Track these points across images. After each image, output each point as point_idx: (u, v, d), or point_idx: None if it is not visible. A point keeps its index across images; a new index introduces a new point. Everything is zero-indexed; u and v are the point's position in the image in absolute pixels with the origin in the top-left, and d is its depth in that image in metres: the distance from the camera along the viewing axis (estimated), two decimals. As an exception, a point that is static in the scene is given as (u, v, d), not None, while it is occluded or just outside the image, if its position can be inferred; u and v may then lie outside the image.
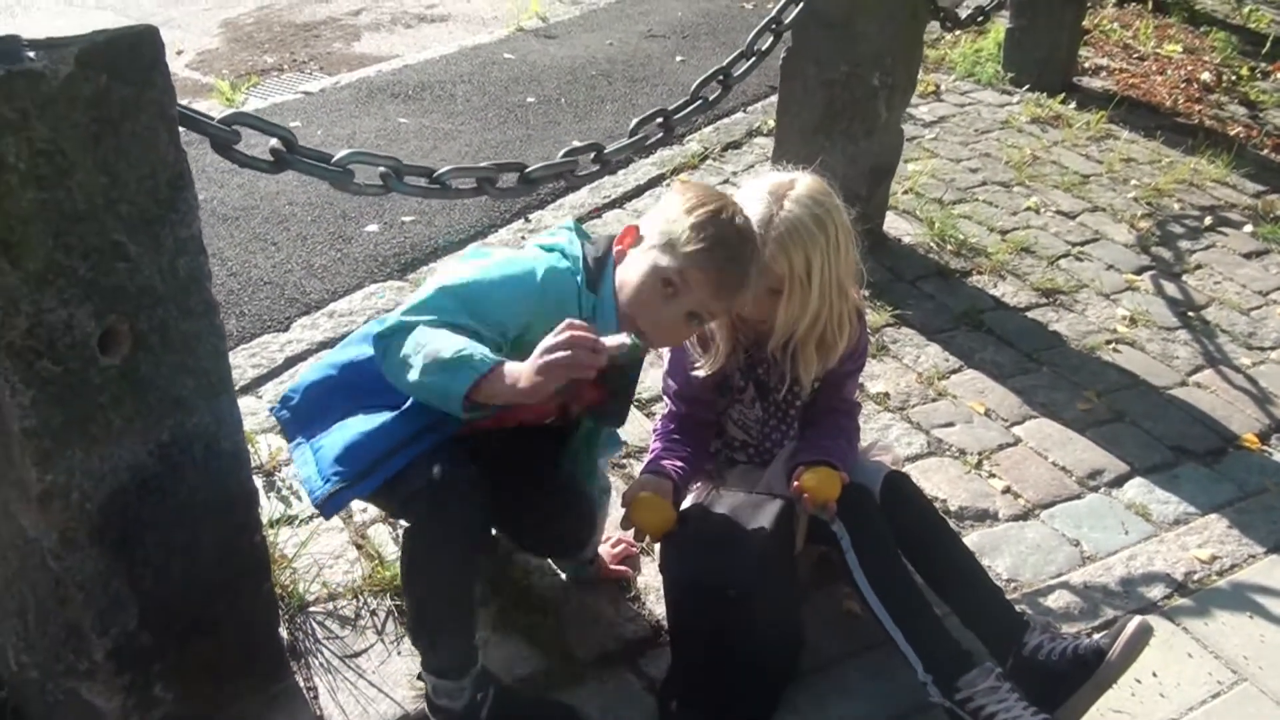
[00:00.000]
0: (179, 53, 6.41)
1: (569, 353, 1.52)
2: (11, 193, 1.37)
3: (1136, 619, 1.89)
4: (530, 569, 2.19)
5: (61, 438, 1.49)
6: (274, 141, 1.97)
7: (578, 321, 1.57)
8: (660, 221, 1.81)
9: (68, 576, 1.56)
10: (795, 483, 1.95)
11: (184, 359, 1.60)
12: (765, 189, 1.96)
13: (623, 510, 1.93)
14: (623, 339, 1.61)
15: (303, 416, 1.86)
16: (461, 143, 4.28)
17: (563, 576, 2.20)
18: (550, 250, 1.86)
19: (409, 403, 1.76)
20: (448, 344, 1.59)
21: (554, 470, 1.98)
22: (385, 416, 1.76)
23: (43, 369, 1.45)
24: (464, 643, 1.78)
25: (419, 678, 1.82)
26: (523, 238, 3.48)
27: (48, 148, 1.39)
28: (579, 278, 1.82)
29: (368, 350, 1.81)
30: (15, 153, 1.36)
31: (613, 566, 2.20)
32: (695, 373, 2.08)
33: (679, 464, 2.03)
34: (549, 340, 1.54)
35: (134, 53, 1.47)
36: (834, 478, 1.93)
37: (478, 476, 1.72)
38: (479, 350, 1.59)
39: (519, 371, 1.56)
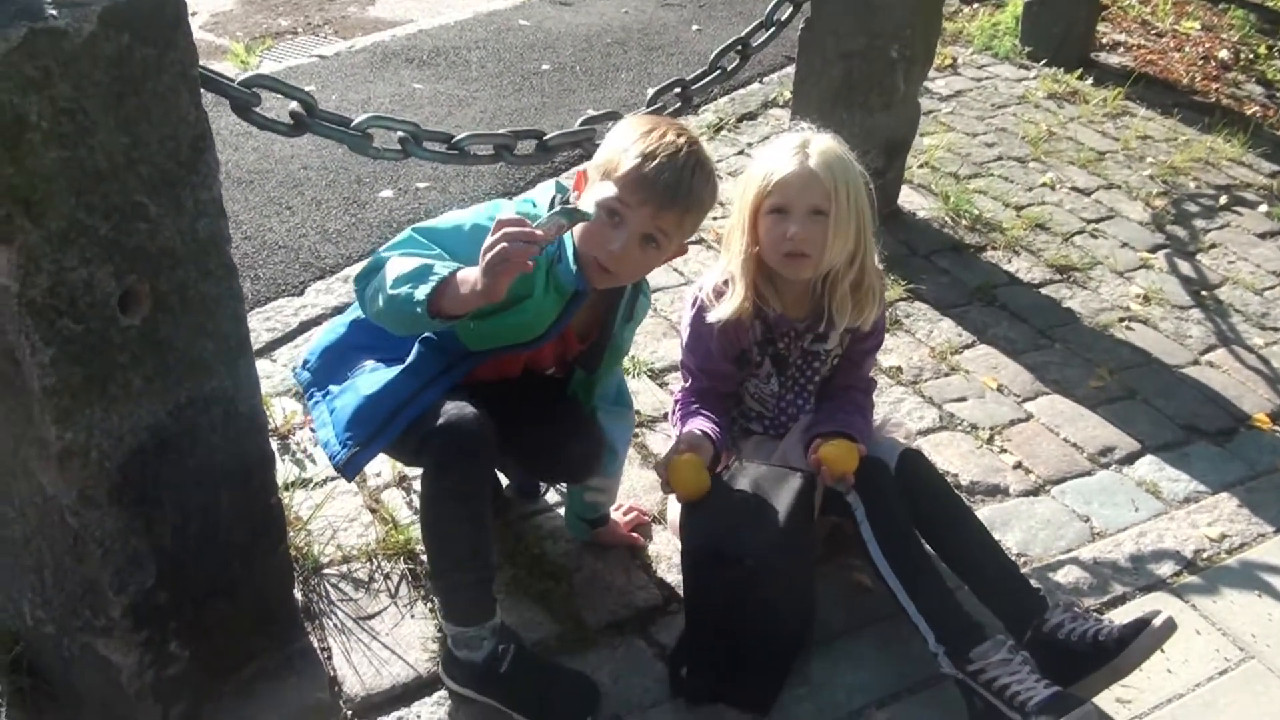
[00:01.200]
0: (193, 14, 6.38)
1: (506, 245, 1.56)
2: (34, 151, 1.37)
3: (1164, 614, 1.88)
4: (544, 535, 2.21)
5: (81, 396, 1.50)
6: (294, 105, 1.98)
7: (508, 216, 1.61)
8: (601, 156, 1.81)
9: (86, 533, 1.57)
10: (813, 454, 1.95)
11: (203, 321, 1.61)
12: (790, 138, 2.02)
13: (648, 475, 1.94)
14: (553, 214, 1.66)
15: (320, 377, 1.90)
16: (476, 109, 4.27)
17: (574, 544, 2.21)
18: (524, 202, 1.89)
19: (412, 357, 1.80)
20: (409, 263, 1.68)
21: (561, 398, 2.01)
22: (391, 373, 1.80)
23: (63, 327, 1.46)
24: (482, 588, 1.80)
25: (438, 630, 1.84)
26: (536, 206, 3.48)
27: (70, 106, 1.39)
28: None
29: None
30: (38, 111, 1.36)
31: (624, 533, 2.21)
32: (711, 317, 2.06)
33: (715, 428, 2.05)
34: (488, 240, 1.59)
35: (157, 13, 1.47)
36: (852, 450, 1.94)
37: (485, 414, 1.75)
38: (437, 263, 1.66)
39: (473, 275, 1.62)
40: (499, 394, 1.86)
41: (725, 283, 2.06)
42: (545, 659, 1.92)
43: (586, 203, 1.78)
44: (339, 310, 2.84)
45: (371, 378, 1.82)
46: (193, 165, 1.56)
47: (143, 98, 1.47)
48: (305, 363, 1.94)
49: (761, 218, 1.98)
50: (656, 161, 1.73)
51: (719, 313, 2.05)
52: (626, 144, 1.76)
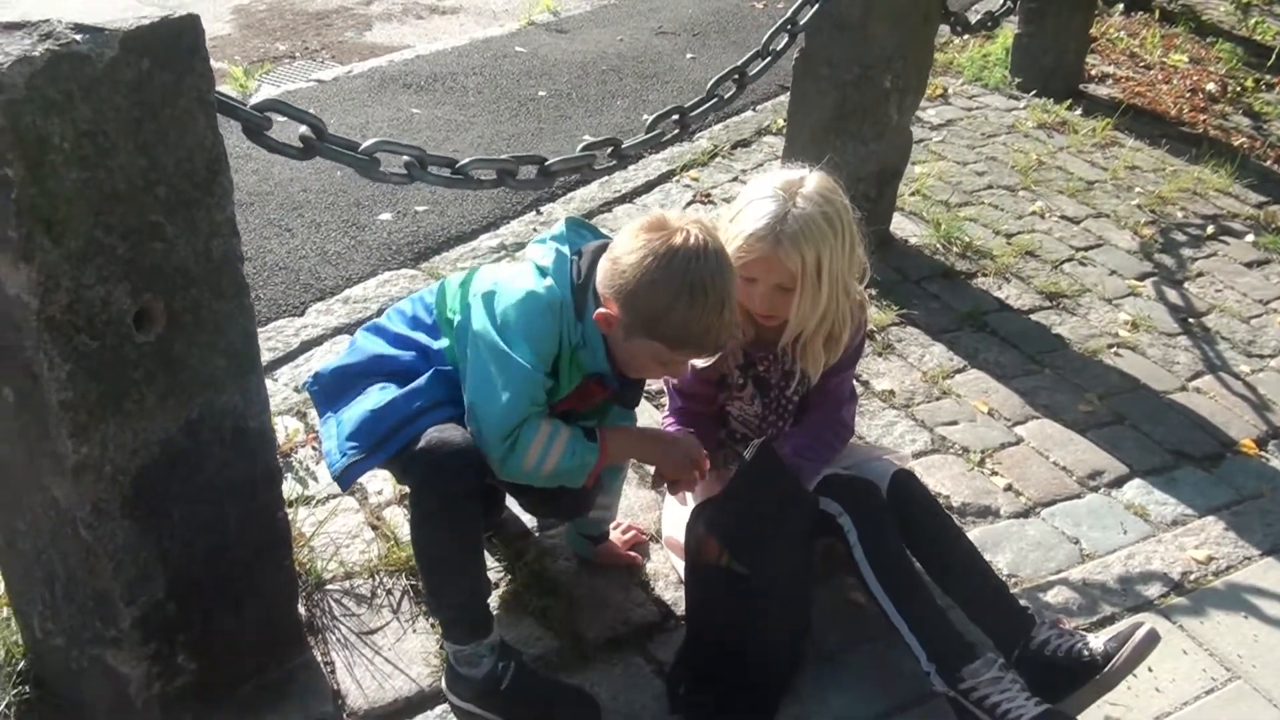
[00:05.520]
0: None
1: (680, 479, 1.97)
2: (55, 172, 1.41)
3: (1146, 626, 1.93)
4: (543, 551, 2.24)
5: (97, 411, 1.53)
6: (303, 129, 2.01)
7: (696, 447, 1.97)
8: (635, 306, 1.78)
9: (99, 546, 1.60)
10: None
11: (215, 339, 1.64)
12: (776, 185, 1.99)
13: (645, 495, 1.97)
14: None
15: (330, 391, 1.93)
16: (474, 134, 4.32)
17: (573, 561, 2.24)
18: (543, 274, 1.87)
19: (423, 381, 1.84)
20: (558, 448, 1.80)
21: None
22: (398, 392, 1.84)
23: (80, 344, 1.49)
24: (475, 607, 1.84)
25: (440, 646, 1.87)
26: (534, 229, 3.53)
27: (91, 129, 1.43)
28: (569, 307, 1.84)
29: (398, 352, 1.92)
30: (60, 133, 1.40)
31: (622, 552, 2.25)
32: (694, 362, 2.11)
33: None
34: (678, 456, 1.95)
35: (176, 39, 1.51)
36: None
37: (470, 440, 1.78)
38: (584, 448, 1.83)
39: (627, 441, 1.99)
40: None
41: None
42: (546, 675, 1.94)
43: (625, 348, 1.84)
44: (340, 331, 2.89)
45: (379, 394, 1.86)
46: (208, 187, 1.61)
47: (161, 121, 1.51)
48: (318, 375, 1.97)
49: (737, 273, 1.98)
50: (711, 330, 1.80)
51: (701, 362, 2.08)
52: (666, 303, 1.76)
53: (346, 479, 1.83)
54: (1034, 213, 4.05)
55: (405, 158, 2.17)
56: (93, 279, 1.49)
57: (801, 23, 2.94)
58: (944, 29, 3.54)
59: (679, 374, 1.98)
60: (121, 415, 1.56)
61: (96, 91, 1.42)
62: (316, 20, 6.79)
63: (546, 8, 6.25)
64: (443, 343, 1.90)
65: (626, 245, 1.80)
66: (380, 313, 2.84)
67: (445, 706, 1.90)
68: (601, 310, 1.81)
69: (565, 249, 1.89)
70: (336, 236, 3.46)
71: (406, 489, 2.28)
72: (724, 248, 1.84)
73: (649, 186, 3.92)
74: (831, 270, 1.95)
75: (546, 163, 2.46)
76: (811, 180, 1.99)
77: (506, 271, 1.92)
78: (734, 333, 1.93)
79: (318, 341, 2.85)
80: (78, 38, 1.42)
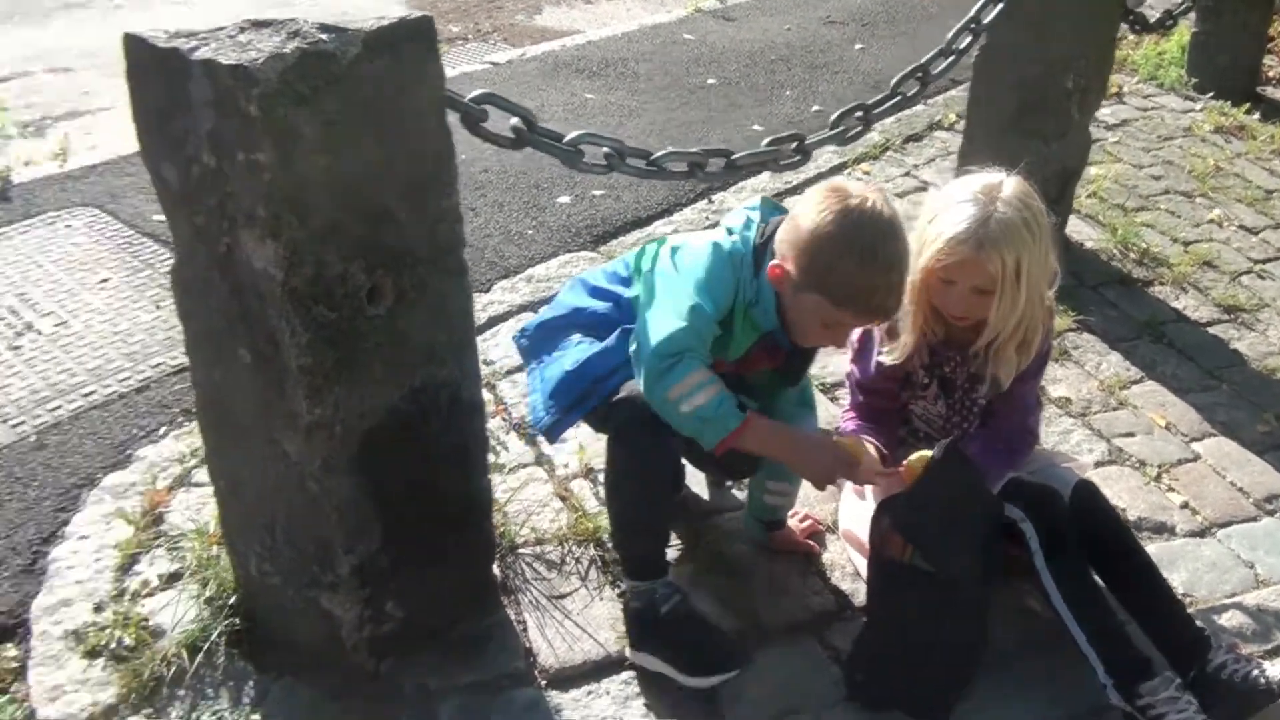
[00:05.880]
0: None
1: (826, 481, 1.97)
2: (303, 158, 1.54)
3: None
4: (723, 533, 2.31)
5: (331, 376, 1.67)
6: (515, 120, 2.12)
7: (842, 454, 1.96)
8: (806, 261, 1.85)
9: (325, 498, 1.74)
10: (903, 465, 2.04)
11: (437, 314, 1.77)
12: (975, 188, 2.00)
13: (810, 490, 2.03)
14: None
15: (535, 346, 2.08)
16: (645, 120, 4.41)
17: (751, 546, 2.29)
18: (729, 232, 2.00)
19: (614, 339, 1.95)
20: (707, 393, 1.81)
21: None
22: (593, 349, 1.97)
23: (319, 314, 1.63)
24: (654, 549, 2.01)
25: (620, 594, 2.00)
26: (705, 217, 3.60)
27: (334, 120, 1.55)
28: (748, 264, 1.94)
29: (594, 303, 2.05)
30: (307, 123, 1.52)
31: (800, 539, 2.30)
32: (880, 358, 2.15)
33: (876, 444, 2.12)
34: (826, 461, 1.93)
35: (413, 39, 1.64)
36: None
37: None
38: (729, 404, 1.83)
39: (773, 431, 1.93)
40: None
41: (897, 320, 2.11)
42: (705, 616, 2.04)
43: (793, 302, 1.90)
44: (525, 308, 3.02)
45: (576, 351, 1.99)
46: (436, 175, 1.73)
47: (396, 114, 1.63)
48: (524, 331, 2.13)
49: (933, 275, 2.02)
50: (879, 293, 1.86)
51: (889, 356, 2.13)
52: (840, 263, 1.82)
53: (553, 434, 2.00)
54: (1211, 221, 3.91)
55: (605, 149, 2.27)
56: (333, 256, 1.62)
57: (985, 21, 2.92)
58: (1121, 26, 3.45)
59: (841, 341, 2.04)
60: (352, 381, 1.70)
61: (341, 86, 1.54)
62: (488, 3, 6.99)
63: (714, -6, 6.29)
64: (634, 290, 2.01)
65: (806, 205, 1.90)
66: (563, 294, 2.98)
67: (631, 673, 1.99)
68: (775, 262, 1.89)
69: (755, 215, 2.01)
70: (518, 217, 3.60)
71: (593, 463, 2.41)
72: (899, 217, 1.89)
73: (819, 178, 3.92)
74: (1030, 275, 1.96)
75: (733, 156, 2.52)
76: (1010, 184, 2.00)
77: (698, 234, 2.04)
78: (900, 302, 1.93)
79: (503, 318, 2.99)
80: (324, 37, 1.55)
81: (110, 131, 4.71)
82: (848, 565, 2.27)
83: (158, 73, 1.57)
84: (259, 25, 1.63)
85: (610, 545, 2.18)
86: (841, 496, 2.35)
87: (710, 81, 4.90)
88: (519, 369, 2.64)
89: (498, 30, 6.41)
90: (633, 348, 1.87)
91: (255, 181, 1.52)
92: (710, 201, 3.74)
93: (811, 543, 2.31)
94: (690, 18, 5.98)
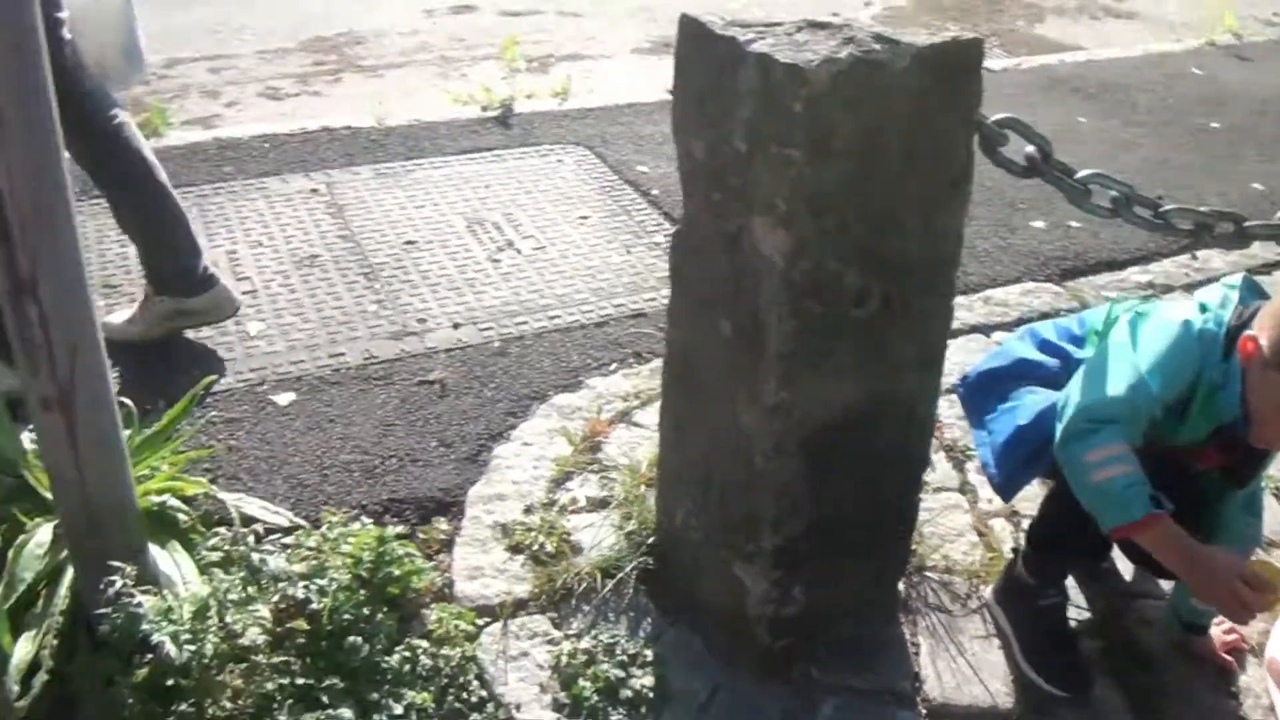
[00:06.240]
0: (866, 4, 6.79)
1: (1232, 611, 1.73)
2: (831, 160, 1.60)
3: None
4: (1137, 620, 2.18)
5: (803, 365, 1.75)
6: (1030, 149, 2.09)
7: (1245, 594, 1.68)
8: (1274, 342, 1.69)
9: (767, 475, 1.84)
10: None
11: (915, 329, 1.80)
12: None
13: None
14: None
15: (977, 395, 2.06)
16: (1139, 156, 4.14)
17: (1165, 640, 2.15)
18: (1203, 309, 1.84)
19: (1063, 394, 1.85)
20: (1116, 470, 1.69)
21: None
22: (1044, 404, 1.88)
23: (808, 307, 1.71)
24: (1064, 565, 2.07)
25: (1019, 674, 1.99)
26: (1186, 274, 3.34)
27: (870, 128, 1.61)
28: (1219, 347, 1.77)
29: (1042, 357, 1.98)
30: (846, 128, 1.58)
31: (1218, 652, 2.12)
32: None
33: None
34: (1227, 589, 1.69)
35: (960, 60, 1.66)
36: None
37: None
38: (1137, 496, 1.68)
39: (1183, 544, 1.71)
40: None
41: None
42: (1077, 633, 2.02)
43: (1259, 382, 1.72)
44: (977, 330, 2.98)
45: (1027, 406, 1.92)
46: (950, 196, 1.74)
47: (928, 130, 1.66)
48: (965, 379, 2.10)
49: None
50: None
51: None
52: None
53: (1008, 492, 1.96)
54: None
55: (1114, 192, 2.17)
56: (833, 255, 1.69)
57: None
58: None
59: None
60: (821, 374, 1.77)
61: (885, 96, 1.59)
62: (989, 5, 6.82)
63: (1229, 29, 5.73)
64: (1085, 352, 1.92)
65: None
66: (1019, 323, 2.90)
67: (1012, 734, 1.95)
68: (1248, 333, 1.73)
69: (1234, 295, 1.84)
70: (987, 233, 3.53)
71: (1018, 506, 2.35)
72: None
73: (1314, 258, 3.51)
74: None
75: (1245, 224, 2.32)
76: None
77: (1169, 305, 1.90)
78: None
79: (953, 335, 2.94)
80: (878, 46, 1.61)
81: (608, 78, 5.13)
82: (1264, 697, 2.05)
83: (708, 55, 1.69)
84: (816, 26, 1.73)
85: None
86: (1277, 622, 2.12)
87: (1214, 125, 4.49)
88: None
89: (995, 34, 6.26)
90: (1061, 399, 1.79)
91: (782, 175, 1.61)
92: (1194, 257, 3.46)
93: (1230, 658, 2.11)
94: (1201, 50, 5.50)
